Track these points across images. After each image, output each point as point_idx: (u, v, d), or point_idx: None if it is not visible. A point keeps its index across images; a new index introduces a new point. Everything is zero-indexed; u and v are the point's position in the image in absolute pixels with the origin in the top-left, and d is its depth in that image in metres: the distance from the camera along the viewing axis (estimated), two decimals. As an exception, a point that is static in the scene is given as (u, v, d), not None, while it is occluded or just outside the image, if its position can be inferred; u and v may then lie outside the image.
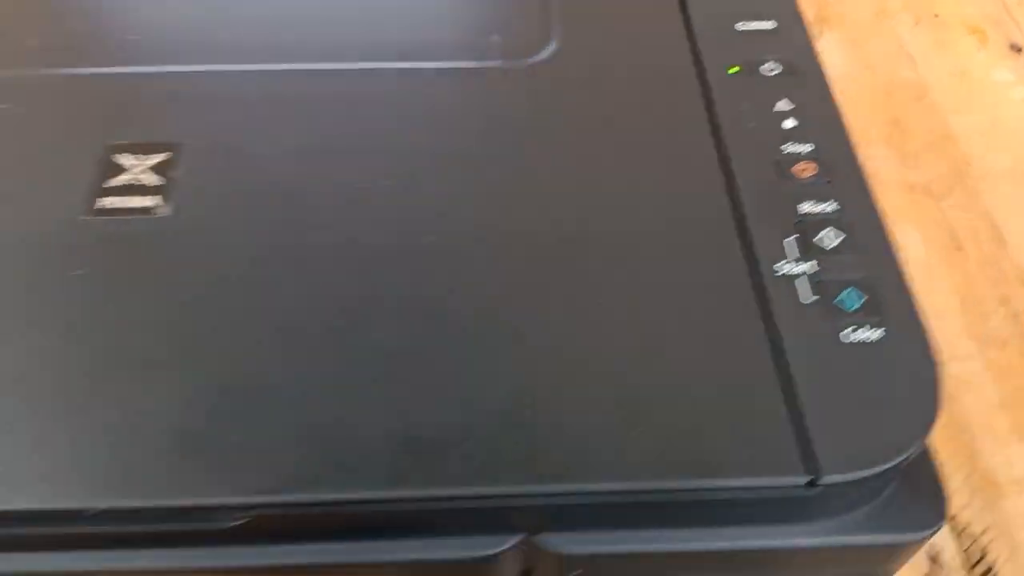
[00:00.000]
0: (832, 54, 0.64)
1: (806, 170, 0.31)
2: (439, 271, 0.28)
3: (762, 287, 0.28)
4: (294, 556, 0.26)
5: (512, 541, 0.26)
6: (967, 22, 0.69)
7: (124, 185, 0.30)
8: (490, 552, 0.26)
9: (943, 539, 0.39)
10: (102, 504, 0.24)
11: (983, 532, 0.38)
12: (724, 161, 0.31)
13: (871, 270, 0.29)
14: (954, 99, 0.65)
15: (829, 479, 0.24)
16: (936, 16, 0.70)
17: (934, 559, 0.42)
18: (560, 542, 0.26)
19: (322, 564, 0.26)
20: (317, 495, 0.24)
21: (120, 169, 0.31)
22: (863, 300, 0.28)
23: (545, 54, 0.35)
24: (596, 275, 0.28)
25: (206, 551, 0.26)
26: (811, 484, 0.24)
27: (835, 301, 0.28)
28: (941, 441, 0.40)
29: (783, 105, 0.33)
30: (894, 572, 0.29)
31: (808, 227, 0.29)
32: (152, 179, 0.30)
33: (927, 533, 0.26)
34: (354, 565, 0.26)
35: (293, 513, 0.24)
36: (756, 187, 0.30)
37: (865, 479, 0.25)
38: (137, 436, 0.25)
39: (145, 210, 0.30)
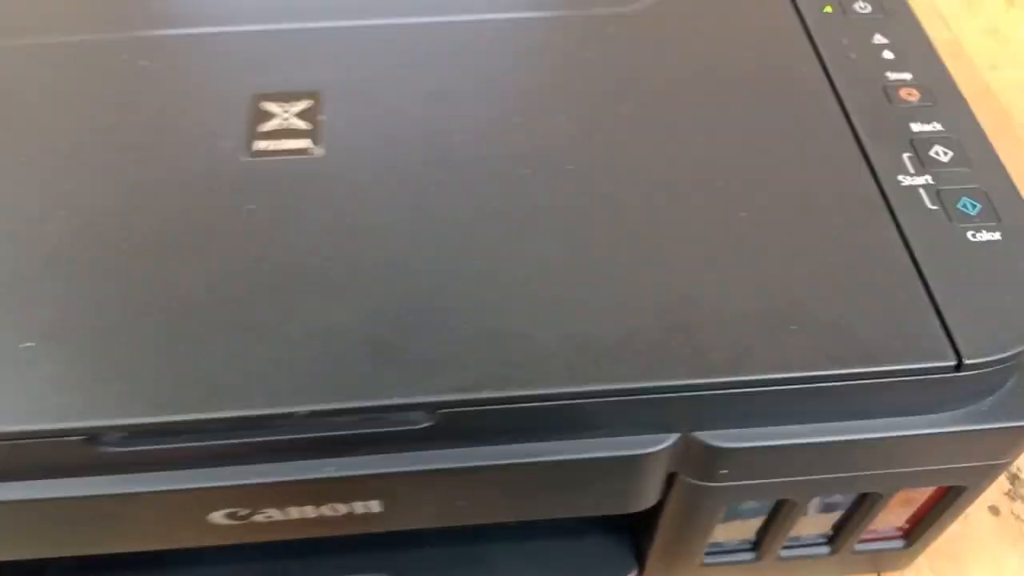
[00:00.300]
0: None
1: (911, 95, 0.33)
2: (588, 193, 0.30)
3: (888, 197, 0.30)
4: (474, 458, 0.28)
5: (672, 439, 0.28)
6: (995, -17, 0.71)
7: (276, 130, 0.32)
8: (652, 449, 0.28)
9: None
10: (307, 408, 0.26)
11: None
12: (835, 89, 0.33)
13: (983, 181, 0.31)
14: (988, 56, 0.67)
15: (972, 361, 0.26)
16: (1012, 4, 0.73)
17: (1014, 477, 0.44)
18: (717, 438, 0.28)
19: (498, 465, 0.28)
20: (503, 392, 0.26)
21: (269, 115, 0.32)
22: (979, 208, 0.30)
23: (648, 2, 0.37)
24: (739, 189, 0.30)
25: (394, 457, 0.28)
26: (957, 367, 0.26)
27: (956, 206, 0.30)
28: None
29: (879, 39, 0.35)
30: (1014, 459, 0.31)
31: (920, 144, 0.32)
32: (300, 124, 0.32)
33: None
34: (525, 465, 0.28)
35: (480, 410, 0.26)
36: (868, 111, 0.33)
37: (1001, 360, 0.27)
38: (331, 346, 0.26)
39: (301, 151, 0.31)
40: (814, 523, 0.37)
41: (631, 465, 0.29)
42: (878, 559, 0.39)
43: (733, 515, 0.35)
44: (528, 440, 0.28)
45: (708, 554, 0.37)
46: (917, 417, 0.29)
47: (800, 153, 0.31)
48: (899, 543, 0.38)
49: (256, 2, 0.37)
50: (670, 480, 0.31)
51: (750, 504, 0.34)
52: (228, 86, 0.33)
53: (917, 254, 0.29)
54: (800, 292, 0.28)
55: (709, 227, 0.29)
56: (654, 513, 0.34)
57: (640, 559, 0.39)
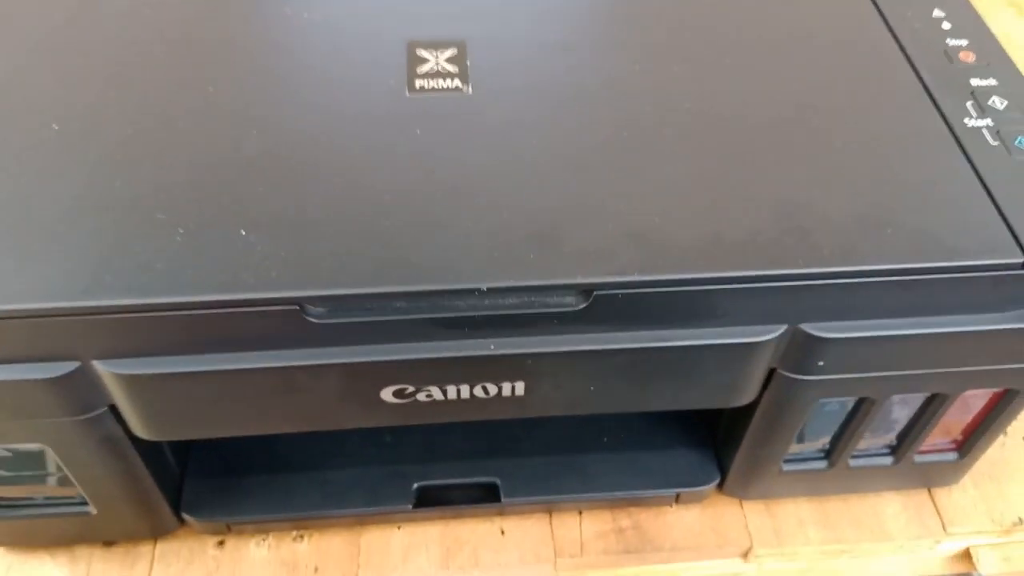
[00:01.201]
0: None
1: (968, 56, 0.39)
2: (707, 127, 0.35)
3: (957, 136, 0.35)
4: (613, 341, 0.33)
5: (781, 329, 0.33)
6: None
7: (430, 72, 0.37)
8: (766, 337, 0.33)
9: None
10: (486, 285, 0.30)
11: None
12: (904, 52, 0.39)
13: (1034, 125, 0.36)
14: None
15: (1037, 260, 0.32)
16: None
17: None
18: (819, 328, 0.33)
19: (633, 349, 0.33)
20: (647, 276, 0.31)
21: (424, 61, 0.38)
22: (1033, 144, 0.36)
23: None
24: (835, 125, 0.36)
25: (546, 339, 0.32)
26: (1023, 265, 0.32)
27: (1013, 143, 0.35)
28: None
29: (938, 12, 0.41)
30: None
31: (980, 95, 0.37)
32: (450, 68, 0.38)
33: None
34: (656, 349, 0.33)
35: (625, 293, 0.31)
36: (934, 69, 0.38)
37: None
38: (501, 238, 0.31)
39: (455, 89, 0.37)
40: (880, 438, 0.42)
41: (746, 351, 0.34)
42: (931, 473, 0.44)
43: (814, 425, 0.40)
44: (659, 328, 0.33)
45: (786, 462, 0.42)
46: (988, 315, 0.34)
47: (881, 100, 0.37)
48: (952, 455, 0.43)
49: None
50: (768, 379, 0.36)
51: (831, 407, 0.39)
52: (386, 36, 0.39)
53: (985, 177, 0.34)
54: (892, 203, 0.33)
55: (813, 153, 0.34)
56: (744, 418, 0.39)
57: (722, 469, 0.44)
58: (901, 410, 0.40)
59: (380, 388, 0.34)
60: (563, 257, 0.31)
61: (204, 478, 0.43)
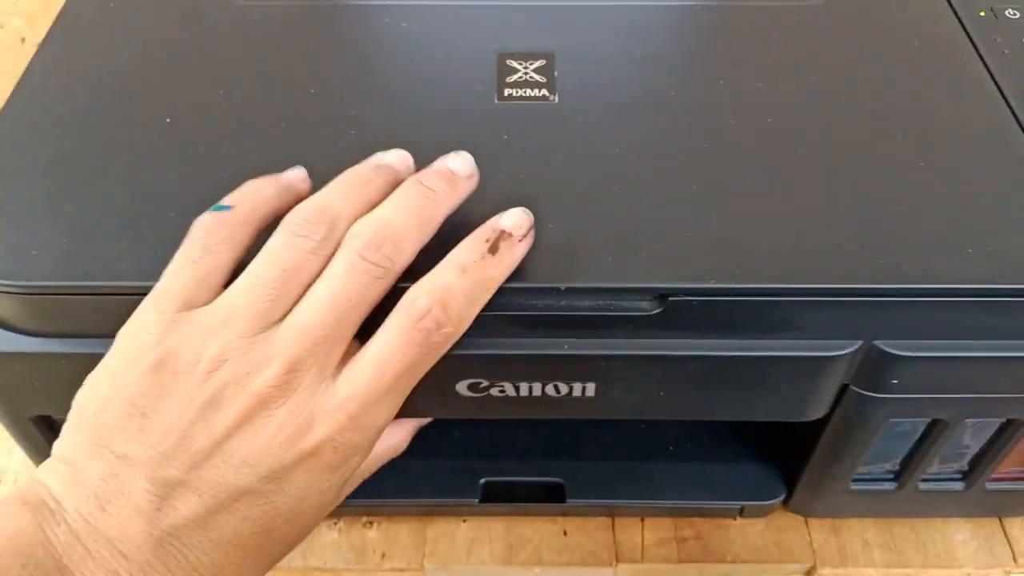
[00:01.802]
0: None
1: (1058, 82, 0.39)
2: (789, 140, 0.36)
3: (1045, 163, 0.35)
4: (685, 348, 0.33)
5: (856, 344, 0.34)
6: None
7: (519, 81, 0.39)
8: (840, 352, 0.34)
9: None
10: (565, 284, 0.32)
11: None
12: (992, 76, 0.39)
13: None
14: None
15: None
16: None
17: None
18: (894, 346, 0.33)
19: (705, 356, 0.34)
20: (723, 284, 0.31)
21: (513, 70, 0.39)
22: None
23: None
24: (919, 144, 0.36)
25: (619, 342, 0.33)
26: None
27: (1103, 168, 0.35)
28: None
29: (1028, 38, 0.41)
30: None
31: (1068, 121, 0.37)
32: (538, 77, 0.39)
33: None
34: (729, 359, 0.34)
35: (700, 300, 0.32)
36: (1022, 95, 0.38)
37: None
38: (580, 240, 0.32)
39: (540, 98, 0.38)
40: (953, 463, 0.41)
41: (819, 365, 0.34)
42: (1004, 502, 0.43)
43: (883, 445, 0.40)
44: (733, 337, 0.33)
45: (855, 481, 0.42)
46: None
47: (968, 122, 0.37)
48: (1028, 484, 0.42)
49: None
50: (840, 395, 0.36)
51: (903, 427, 0.39)
52: (477, 47, 0.40)
53: (1072, 202, 0.34)
54: (973, 224, 0.33)
55: (897, 170, 0.35)
56: (814, 434, 0.40)
57: (789, 485, 0.44)
58: (974, 435, 0.40)
59: (456, 381, 0.35)
60: (640, 261, 0.32)
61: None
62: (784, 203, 0.34)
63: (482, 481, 0.44)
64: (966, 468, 0.42)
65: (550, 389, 0.36)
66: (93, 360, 0.30)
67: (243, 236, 0.31)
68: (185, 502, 0.27)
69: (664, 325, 0.33)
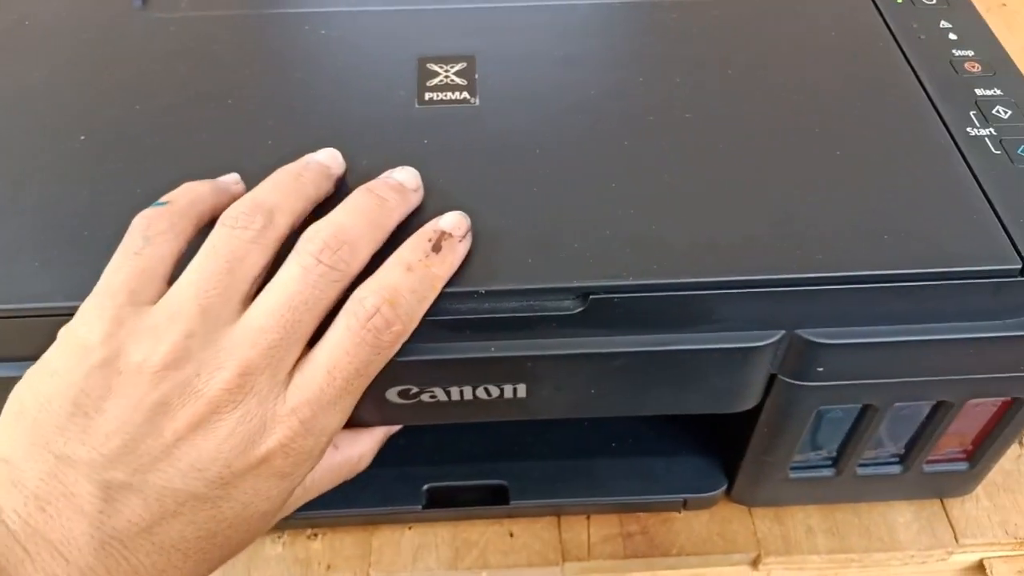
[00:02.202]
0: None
1: (974, 67, 0.39)
2: (706, 134, 0.36)
3: (959, 144, 0.36)
4: (610, 345, 0.33)
5: (778, 334, 0.34)
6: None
7: (440, 85, 0.39)
8: (763, 343, 0.34)
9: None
10: (484, 288, 0.31)
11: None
12: (909, 62, 0.39)
13: (1037, 134, 0.37)
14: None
15: (1033, 267, 0.32)
16: (1004, 5, 0.79)
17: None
18: (816, 335, 0.34)
19: (630, 352, 0.34)
20: (643, 280, 0.32)
21: (434, 74, 0.39)
22: (1034, 153, 0.36)
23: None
24: (835, 134, 0.36)
25: (545, 342, 0.33)
26: (1021, 271, 0.32)
27: (1016, 151, 0.35)
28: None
29: (944, 24, 0.42)
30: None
31: (984, 105, 0.38)
32: (459, 80, 0.39)
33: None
34: (653, 353, 0.34)
35: (620, 297, 0.32)
36: (939, 79, 0.39)
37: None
38: (500, 243, 0.32)
39: (463, 100, 0.38)
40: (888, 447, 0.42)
41: (744, 356, 0.34)
42: (943, 483, 0.44)
43: (818, 432, 0.40)
44: (656, 332, 0.33)
45: (792, 468, 0.42)
46: (988, 322, 0.34)
47: (883, 109, 0.37)
48: (963, 465, 0.42)
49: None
50: (769, 384, 0.37)
51: (836, 413, 0.39)
52: (398, 52, 0.40)
53: (985, 186, 0.34)
54: (889, 211, 0.33)
55: (812, 162, 0.35)
56: (748, 424, 0.40)
57: (730, 475, 0.44)
58: (908, 418, 0.40)
59: (386, 388, 0.35)
60: (561, 261, 0.32)
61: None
62: (702, 198, 0.34)
63: (425, 487, 0.44)
64: (903, 451, 0.42)
65: (481, 392, 0.35)
66: (9, 384, 0.29)
67: (184, 227, 0.30)
68: (129, 505, 0.27)
69: (588, 323, 0.33)
